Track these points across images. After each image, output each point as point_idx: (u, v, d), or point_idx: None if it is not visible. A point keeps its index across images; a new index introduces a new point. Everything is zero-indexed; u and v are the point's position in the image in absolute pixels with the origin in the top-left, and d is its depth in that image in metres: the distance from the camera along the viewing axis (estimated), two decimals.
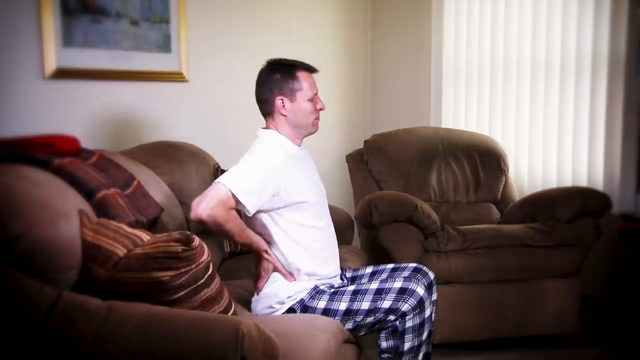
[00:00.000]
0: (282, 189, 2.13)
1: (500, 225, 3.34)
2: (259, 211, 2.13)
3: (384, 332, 2.22)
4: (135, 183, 2.35)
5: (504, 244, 3.07)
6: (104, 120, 3.06)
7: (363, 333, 2.25)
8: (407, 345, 2.19)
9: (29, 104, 2.77)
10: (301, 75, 2.23)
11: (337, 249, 2.40)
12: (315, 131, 2.30)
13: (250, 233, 2.17)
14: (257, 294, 2.26)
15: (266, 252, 2.20)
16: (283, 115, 2.23)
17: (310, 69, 2.27)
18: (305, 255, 2.23)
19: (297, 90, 2.22)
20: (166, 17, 3.30)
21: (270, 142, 2.23)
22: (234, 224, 2.08)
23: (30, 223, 1.51)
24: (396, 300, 2.15)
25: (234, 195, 2.03)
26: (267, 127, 2.29)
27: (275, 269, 2.22)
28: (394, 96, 4.53)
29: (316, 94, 2.26)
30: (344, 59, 4.40)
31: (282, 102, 2.21)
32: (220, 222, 2.02)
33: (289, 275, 2.22)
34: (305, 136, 2.31)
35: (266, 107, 2.25)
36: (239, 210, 2.10)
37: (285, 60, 2.26)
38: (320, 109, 2.27)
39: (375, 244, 3.18)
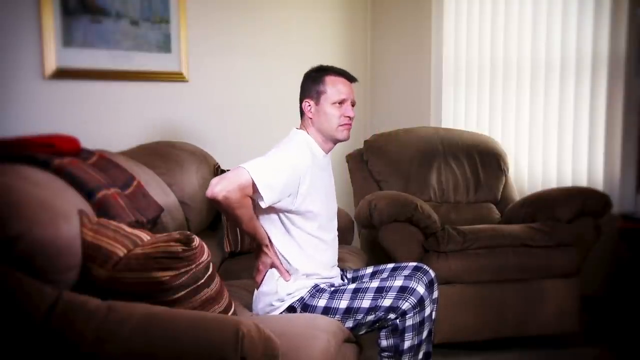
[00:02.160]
0: (300, 192, 2.14)
1: (500, 225, 3.34)
2: (271, 207, 2.14)
3: (384, 330, 2.22)
4: (135, 183, 2.35)
5: (504, 244, 3.07)
6: (104, 120, 3.06)
7: (363, 331, 2.25)
8: (407, 344, 2.19)
9: (29, 104, 2.77)
10: (329, 79, 2.24)
11: (337, 262, 2.41)
12: (344, 139, 2.28)
13: (257, 224, 2.18)
14: (257, 289, 2.27)
15: (266, 246, 2.21)
16: (310, 118, 2.26)
17: (344, 75, 2.27)
18: (306, 261, 2.24)
19: (321, 93, 2.24)
20: (166, 17, 3.30)
21: (300, 143, 2.24)
22: (245, 212, 2.09)
23: (30, 223, 1.51)
24: (396, 298, 2.15)
25: (254, 184, 2.04)
26: (300, 128, 2.31)
27: (273, 265, 2.22)
28: (394, 96, 4.53)
29: (345, 100, 2.24)
30: (344, 58, 4.40)
31: (309, 105, 2.26)
32: (233, 206, 2.04)
33: (286, 273, 2.22)
34: (334, 142, 2.30)
35: (300, 109, 2.30)
36: (253, 199, 2.11)
37: (324, 66, 2.30)
38: (347, 116, 2.25)
39: (376, 244, 3.18)
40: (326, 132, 2.26)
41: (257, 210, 2.18)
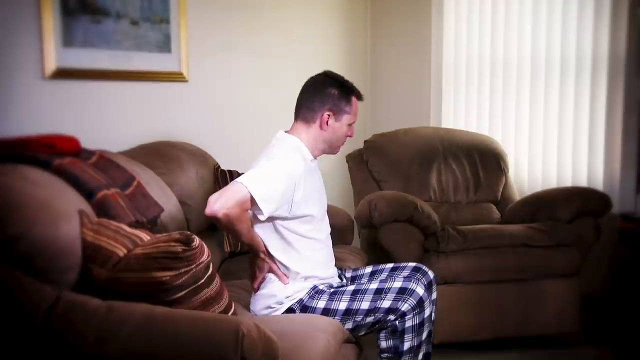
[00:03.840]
0: (294, 200, 2.14)
1: (500, 225, 3.34)
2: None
3: (383, 331, 2.22)
4: (135, 183, 2.35)
5: (504, 244, 3.07)
6: (104, 120, 3.06)
7: (363, 333, 2.25)
8: (406, 345, 2.19)
9: (29, 104, 2.77)
10: (354, 100, 2.29)
11: (333, 257, 2.41)
12: (335, 154, 2.35)
13: (254, 234, 2.18)
14: (254, 294, 2.26)
15: (263, 252, 2.20)
16: (322, 129, 2.25)
17: (361, 98, 2.32)
18: (304, 263, 2.23)
19: (345, 113, 2.26)
20: (166, 17, 3.30)
21: (291, 150, 2.22)
22: (245, 225, 2.09)
23: (30, 223, 1.51)
24: (396, 300, 2.15)
25: (252, 198, 2.03)
26: (290, 132, 2.29)
27: (270, 270, 2.22)
28: (394, 96, 4.53)
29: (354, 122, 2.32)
30: (344, 58, 4.40)
31: (329, 116, 2.24)
32: (233, 222, 2.03)
33: (283, 276, 2.22)
34: (326, 153, 2.33)
35: (308, 114, 2.26)
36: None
37: (343, 79, 2.30)
38: (349, 136, 2.31)
39: (376, 244, 3.18)
40: (329, 145, 2.29)
41: (252, 219, 2.18)
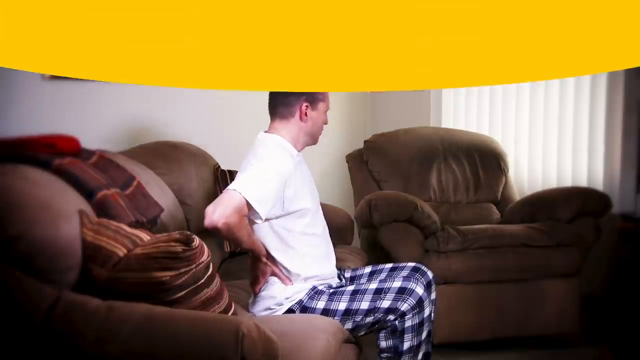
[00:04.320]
0: (286, 196, 2.14)
1: (500, 225, 3.34)
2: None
3: (383, 331, 2.22)
4: (135, 183, 2.35)
5: (504, 243, 3.07)
6: (103, 120, 3.06)
7: (362, 333, 2.25)
8: (406, 345, 2.19)
9: (29, 104, 2.77)
10: None
11: (333, 250, 2.41)
12: (315, 144, 2.37)
13: (255, 239, 2.18)
14: (254, 296, 2.26)
15: (264, 256, 2.20)
16: (303, 121, 2.25)
17: None
18: (303, 262, 2.23)
19: (320, 101, 2.28)
20: None
21: (277, 149, 2.22)
22: (245, 231, 2.09)
23: (30, 223, 1.51)
24: (395, 299, 2.15)
25: (247, 203, 2.03)
26: (269, 132, 2.29)
27: (273, 273, 2.22)
28: (394, 96, 4.53)
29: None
30: None
31: (307, 107, 2.25)
32: (233, 230, 2.03)
33: (286, 278, 2.22)
34: (309, 144, 2.34)
35: (285, 110, 2.26)
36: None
37: None
38: (324, 124, 2.34)
39: (376, 244, 3.18)
40: (312, 137, 2.31)
41: (249, 222, 2.18)
